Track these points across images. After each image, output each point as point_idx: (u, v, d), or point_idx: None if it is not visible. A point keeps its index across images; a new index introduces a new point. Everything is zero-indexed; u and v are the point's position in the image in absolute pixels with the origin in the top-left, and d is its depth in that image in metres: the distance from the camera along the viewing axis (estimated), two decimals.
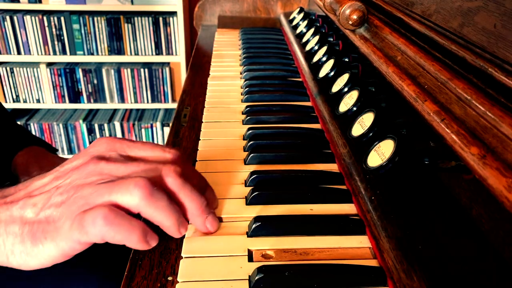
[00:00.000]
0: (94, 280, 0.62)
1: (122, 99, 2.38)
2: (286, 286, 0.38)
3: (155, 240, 0.40)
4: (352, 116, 0.57)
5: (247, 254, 0.42)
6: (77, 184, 0.39)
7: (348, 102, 0.60)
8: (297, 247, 0.43)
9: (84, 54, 2.26)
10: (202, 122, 0.70)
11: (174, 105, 2.39)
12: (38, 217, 0.38)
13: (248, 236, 0.44)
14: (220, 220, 0.46)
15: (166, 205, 0.40)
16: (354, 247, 0.43)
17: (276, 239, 0.44)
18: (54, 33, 2.21)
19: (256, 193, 0.49)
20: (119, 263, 0.56)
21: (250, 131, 0.63)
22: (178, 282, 0.39)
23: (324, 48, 0.82)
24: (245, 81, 0.85)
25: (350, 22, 0.62)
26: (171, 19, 2.23)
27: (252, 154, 0.57)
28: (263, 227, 0.44)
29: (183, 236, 0.44)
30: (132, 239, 0.38)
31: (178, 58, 2.30)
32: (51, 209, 0.38)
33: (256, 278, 0.38)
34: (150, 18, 2.22)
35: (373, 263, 0.41)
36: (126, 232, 0.37)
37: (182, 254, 0.42)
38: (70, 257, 0.39)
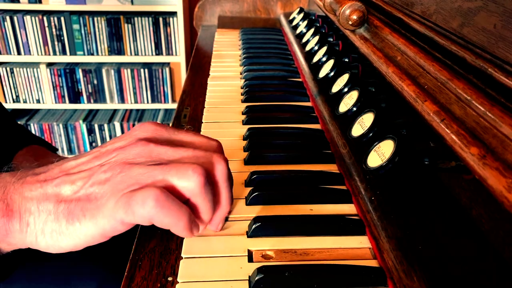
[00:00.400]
0: (94, 280, 0.62)
1: (122, 99, 2.38)
2: (286, 287, 0.38)
3: (197, 229, 0.39)
4: (352, 116, 0.57)
5: (247, 254, 0.42)
6: (126, 162, 0.37)
7: (348, 102, 0.60)
8: (297, 248, 0.43)
9: (84, 54, 2.26)
10: (202, 122, 0.70)
11: (174, 106, 2.39)
12: (77, 194, 0.36)
13: (248, 237, 0.44)
14: None
15: (212, 198, 0.39)
16: (354, 247, 0.43)
17: (276, 239, 0.44)
18: (54, 33, 2.21)
19: (256, 193, 0.49)
20: (119, 263, 0.56)
21: (250, 131, 0.63)
22: (178, 282, 0.39)
23: (324, 48, 0.82)
24: (245, 81, 0.85)
25: (350, 22, 0.62)
26: (171, 19, 2.23)
27: (252, 155, 0.57)
28: (263, 227, 0.44)
29: (183, 237, 0.44)
30: (180, 225, 0.36)
31: (178, 58, 2.30)
32: (94, 187, 0.36)
33: (256, 278, 0.38)
34: (150, 18, 2.22)
35: (373, 263, 0.41)
36: (175, 218, 0.35)
37: (182, 255, 0.42)
38: (108, 238, 0.37)
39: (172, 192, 0.36)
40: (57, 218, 0.36)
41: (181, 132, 0.42)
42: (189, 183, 0.36)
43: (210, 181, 0.38)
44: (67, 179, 0.37)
